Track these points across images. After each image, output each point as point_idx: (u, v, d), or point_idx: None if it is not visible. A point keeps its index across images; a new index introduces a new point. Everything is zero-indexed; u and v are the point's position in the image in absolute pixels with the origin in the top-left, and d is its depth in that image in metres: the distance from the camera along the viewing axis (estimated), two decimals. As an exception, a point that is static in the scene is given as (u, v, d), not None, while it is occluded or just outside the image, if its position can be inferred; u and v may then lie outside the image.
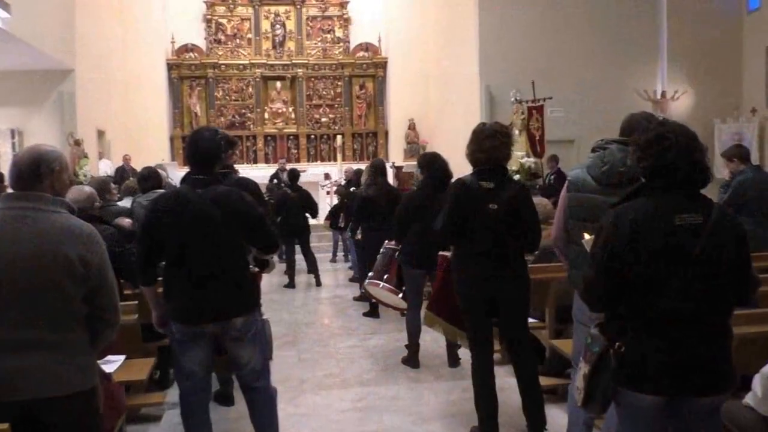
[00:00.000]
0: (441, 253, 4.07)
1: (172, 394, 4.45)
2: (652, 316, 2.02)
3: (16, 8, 7.99)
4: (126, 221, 4.53)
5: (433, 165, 4.93)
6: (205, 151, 2.94)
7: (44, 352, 2.03)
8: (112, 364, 3.31)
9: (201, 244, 2.83)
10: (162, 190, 5.12)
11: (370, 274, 5.33)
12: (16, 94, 10.81)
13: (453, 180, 3.76)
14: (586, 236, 2.70)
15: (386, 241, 5.32)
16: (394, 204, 6.21)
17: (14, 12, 7.95)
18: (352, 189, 8.34)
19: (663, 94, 12.02)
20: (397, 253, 5.08)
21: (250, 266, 3.13)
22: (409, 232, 4.90)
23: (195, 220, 2.82)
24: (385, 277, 5.14)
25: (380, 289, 5.18)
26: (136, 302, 3.57)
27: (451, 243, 3.54)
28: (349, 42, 15.93)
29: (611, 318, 2.15)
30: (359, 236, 6.76)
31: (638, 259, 2.01)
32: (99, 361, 3.03)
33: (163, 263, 2.97)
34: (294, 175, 8.93)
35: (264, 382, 3.12)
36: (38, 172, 2.13)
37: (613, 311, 2.13)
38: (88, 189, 4.07)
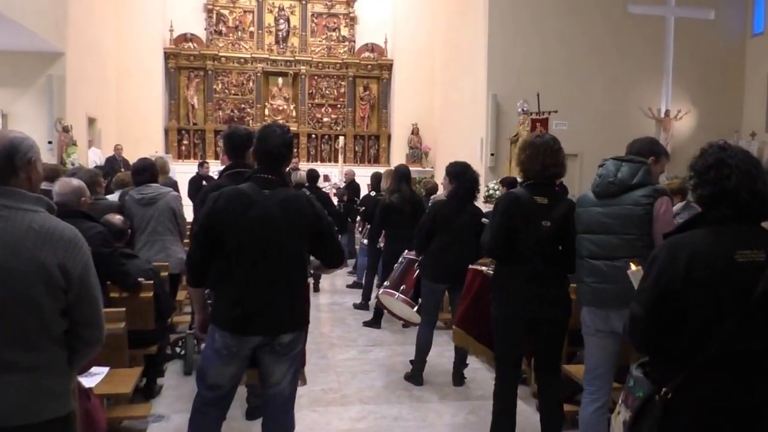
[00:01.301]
0: (471, 266, 3.89)
1: (158, 405, 4.20)
2: (707, 359, 1.84)
3: (2, -15, 7.65)
4: (117, 218, 4.21)
5: (464, 175, 4.74)
6: (276, 149, 2.74)
7: (14, 376, 1.72)
8: (94, 377, 2.99)
9: (261, 249, 2.62)
10: (156, 184, 4.81)
11: (385, 282, 5.10)
12: (2, 75, 10.43)
13: (505, 192, 3.54)
14: (633, 267, 2.52)
15: (406, 251, 5.11)
16: (417, 212, 5.99)
17: (0, -11, 7.60)
18: (372, 193, 8.08)
19: (667, 113, 12.03)
20: (416, 264, 4.86)
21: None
22: (433, 243, 4.69)
23: (258, 223, 2.62)
24: (402, 287, 4.94)
25: (395, 300, 4.99)
26: (124, 309, 3.24)
27: (499, 259, 3.32)
28: (354, 42, 15.65)
29: (658, 360, 1.97)
30: (381, 244, 6.50)
31: (693, 297, 1.85)
32: (81, 376, 2.73)
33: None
34: (313, 176, 8.64)
35: (286, 412, 2.85)
36: (12, 163, 1.81)
37: (661, 352, 1.95)
38: (75, 182, 3.76)
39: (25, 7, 8.85)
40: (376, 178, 8.02)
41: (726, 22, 12.06)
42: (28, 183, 1.84)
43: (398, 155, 15.29)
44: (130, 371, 3.42)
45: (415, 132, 15.26)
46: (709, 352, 1.83)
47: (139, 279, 3.88)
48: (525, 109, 10.43)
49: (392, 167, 7.48)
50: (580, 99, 11.28)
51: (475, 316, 3.65)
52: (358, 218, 8.69)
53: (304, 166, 13.77)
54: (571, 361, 4.06)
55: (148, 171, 4.83)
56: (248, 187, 2.72)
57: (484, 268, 3.74)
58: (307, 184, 8.56)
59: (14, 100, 10.62)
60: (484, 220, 4.12)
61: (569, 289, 3.31)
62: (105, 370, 3.12)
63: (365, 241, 7.72)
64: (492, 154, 11.23)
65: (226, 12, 15.17)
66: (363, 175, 11.23)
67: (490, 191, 10.35)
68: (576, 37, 11.40)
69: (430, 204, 5.88)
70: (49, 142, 10.33)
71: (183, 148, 15.00)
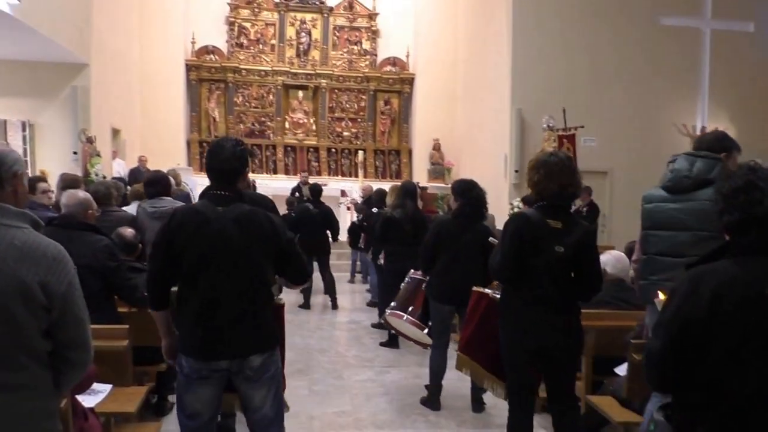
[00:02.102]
0: (475, 288, 3.74)
1: (169, 422, 4.10)
2: (735, 402, 1.71)
3: (28, -4, 7.76)
4: (128, 231, 4.16)
5: (470, 192, 4.64)
6: (227, 164, 2.66)
7: None
8: (97, 395, 2.91)
9: (218, 270, 2.52)
10: (169, 198, 4.76)
11: (392, 303, 4.95)
12: (28, 86, 10.57)
13: (515, 213, 3.40)
14: (661, 295, 2.36)
15: (411, 271, 4.98)
16: (419, 229, 5.91)
17: (26, 0, 7.69)
18: (374, 209, 8.01)
19: (702, 130, 11.66)
20: (423, 285, 4.73)
21: (275, 297, 2.79)
22: (437, 263, 4.57)
23: (214, 242, 2.52)
24: (410, 309, 4.80)
25: (403, 322, 4.85)
26: (127, 327, 3.16)
27: (507, 282, 3.17)
28: (376, 55, 15.67)
29: (682, 402, 1.83)
30: (381, 261, 6.40)
31: (718, 334, 1.71)
32: (82, 395, 2.65)
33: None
34: (316, 190, 8.61)
35: (276, 430, 2.74)
36: None
37: (682, 393, 1.83)
38: (82, 194, 3.73)
39: (50, 18, 8.98)
40: (379, 194, 7.93)
41: (766, 34, 11.70)
42: (13, 197, 1.81)
43: (420, 171, 15.20)
44: (135, 389, 3.35)
45: (436, 147, 15.14)
46: (738, 396, 1.69)
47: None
48: (550, 124, 10.26)
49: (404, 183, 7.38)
50: (608, 114, 11.05)
51: (480, 341, 3.51)
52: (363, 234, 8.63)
53: (325, 180, 13.75)
54: (597, 391, 3.89)
55: (161, 183, 4.79)
56: (202, 204, 2.65)
57: (489, 291, 3.60)
58: (311, 199, 8.53)
59: (40, 110, 10.77)
60: (491, 239, 3.97)
61: (581, 317, 3.17)
62: (108, 387, 3.04)
63: (369, 257, 7.65)
64: (516, 171, 11.03)
65: (248, 25, 15.30)
66: (383, 191, 11.17)
67: (515, 209, 10.17)
68: (604, 51, 11.19)
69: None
70: (74, 153, 10.46)
71: (205, 160, 15.05)
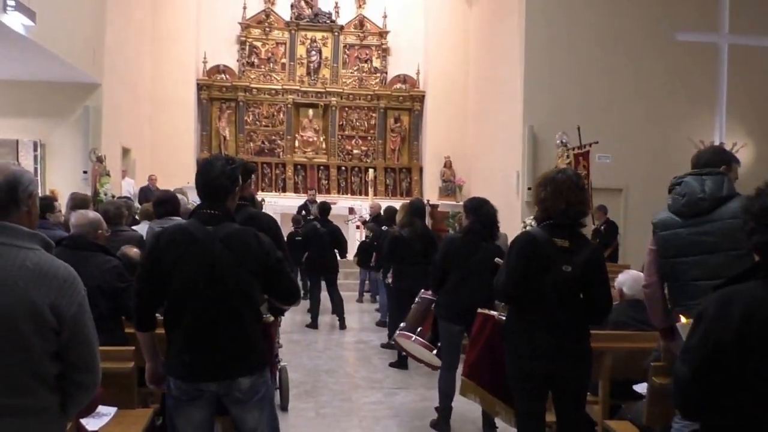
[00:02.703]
0: (480, 310, 3.69)
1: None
2: (765, 427, 1.69)
3: (42, 17, 7.91)
4: (133, 251, 4.20)
5: (480, 210, 4.63)
6: (216, 182, 2.66)
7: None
8: (102, 418, 2.92)
9: (206, 290, 2.52)
10: (178, 218, 4.80)
11: (402, 324, 4.93)
12: (40, 106, 10.76)
13: (520, 233, 3.38)
14: (683, 320, 2.35)
15: (422, 290, 4.95)
16: (428, 248, 5.91)
17: (40, 21, 7.86)
18: (384, 228, 8.03)
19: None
20: (433, 305, 4.71)
21: (264, 316, 2.78)
22: (447, 281, 4.55)
23: (201, 262, 2.52)
24: (419, 329, 4.78)
25: (412, 343, 4.82)
26: (133, 348, 3.17)
27: (513, 304, 3.14)
28: (386, 73, 15.78)
29: (710, 427, 1.81)
30: (389, 280, 6.41)
31: (748, 358, 1.68)
32: (87, 417, 2.66)
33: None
34: (324, 208, 8.65)
35: None
36: (16, 196, 1.80)
37: (711, 418, 1.79)
38: (92, 214, 3.77)
39: (64, 39, 9.15)
40: (389, 212, 7.94)
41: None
42: (27, 217, 1.83)
43: (430, 188, 15.21)
44: (140, 411, 3.33)
45: (447, 165, 15.16)
46: None
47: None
48: (564, 141, 10.22)
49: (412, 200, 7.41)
50: (623, 131, 10.99)
51: (486, 366, 3.46)
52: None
53: (335, 199, 13.79)
54: (614, 416, 3.80)
55: (170, 203, 4.82)
56: (191, 223, 2.64)
57: (494, 313, 3.56)
58: (319, 217, 8.56)
59: (52, 130, 10.93)
60: (497, 260, 3.97)
61: (589, 341, 3.12)
62: (113, 410, 3.05)
63: (380, 276, 7.64)
64: (529, 188, 10.99)
65: (258, 44, 15.50)
66: (394, 209, 11.19)
67: (527, 227, 10.14)
68: (618, 66, 11.16)
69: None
70: (84, 172, 10.61)
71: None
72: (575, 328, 3.02)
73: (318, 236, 8.26)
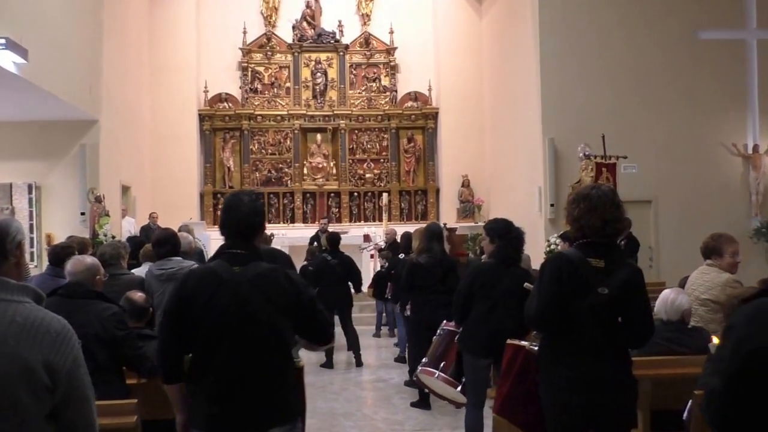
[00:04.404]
0: (510, 341, 3.64)
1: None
2: None
3: (34, 54, 8.06)
4: (138, 295, 4.23)
5: (508, 234, 4.61)
6: (246, 220, 2.68)
7: None
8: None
9: (236, 336, 2.52)
10: (179, 258, 4.84)
11: (423, 359, 4.89)
12: (34, 146, 10.93)
13: (553, 254, 3.36)
14: (715, 341, 2.33)
15: (444, 322, 4.91)
16: (448, 275, 5.87)
17: (33, 58, 8.01)
18: (401, 256, 8.01)
19: (755, 148, 11.53)
20: (457, 337, 4.67)
21: (295, 360, 2.78)
22: (472, 312, 4.52)
23: (230, 306, 2.53)
24: (442, 364, 4.73)
25: (435, 379, 4.78)
26: (135, 401, 3.18)
27: (546, 333, 3.10)
28: (396, 91, 15.89)
29: None
30: (408, 312, 6.37)
31: None
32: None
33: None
34: (334, 239, 8.66)
35: None
36: (3, 248, 1.81)
37: None
38: (89, 260, 3.80)
39: (57, 76, 9.28)
40: (406, 238, 7.92)
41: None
42: (16, 269, 1.84)
43: (448, 210, 15.20)
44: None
45: (465, 184, 15.17)
46: None
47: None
48: (587, 153, 10.17)
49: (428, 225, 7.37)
50: (649, 138, 10.95)
51: (519, 401, 3.39)
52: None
53: (347, 227, 13.77)
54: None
55: (170, 242, 4.87)
56: (217, 264, 2.64)
57: (525, 343, 3.52)
58: (329, 249, 8.57)
59: (47, 171, 11.10)
60: (527, 285, 3.93)
61: (632, 368, 3.06)
62: (115, 469, 3.04)
63: (398, 308, 7.59)
64: (552, 205, 10.97)
65: (261, 69, 15.70)
66: (410, 235, 11.16)
67: (551, 246, 10.07)
68: (641, 70, 11.15)
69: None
70: (82, 213, 10.73)
71: (219, 213, 15.28)
72: (615, 354, 2.96)
73: (329, 268, 8.27)
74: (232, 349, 2.52)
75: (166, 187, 14.43)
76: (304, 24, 15.80)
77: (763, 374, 1.74)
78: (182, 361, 2.65)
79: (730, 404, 1.80)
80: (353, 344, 8.34)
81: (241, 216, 2.68)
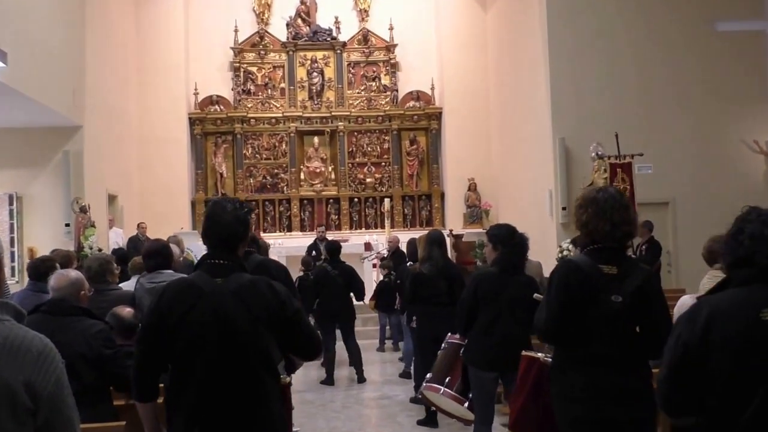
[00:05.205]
0: (525, 353, 3.66)
1: None
2: (736, 427, 2.05)
3: (14, 58, 8.09)
4: (126, 311, 4.23)
5: (511, 240, 4.63)
6: (229, 228, 2.70)
7: None
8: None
9: (216, 351, 2.52)
10: (170, 271, 4.85)
11: (428, 375, 4.90)
12: (15, 155, 10.96)
13: (561, 262, 3.37)
14: None
15: (449, 334, 4.92)
16: (452, 284, 5.87)
17: (12, 62, 8.04)
18: (409, 264, 8.02)
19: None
20: (462, 350, 4.67)
21: (281, 376, 2.76)
22: (476, 322, 4.53)
23: (211, 320, 2.53)
24: (447, 380, 4.72)
25: (440, 396, 4.78)
26: (124, 423, 3.19)
27: (558, 344, 3.11)
28: (397, 90, 15.91)
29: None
30: (414, 323, 6.38)
31: (715, 359, 2.10)
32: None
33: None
34: (333, 248, 8.67)
35: None
36: None
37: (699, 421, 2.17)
38: (74, 274, 3.81)
39: (39, 80, 9.31)
40: (412, 245, 7.93)
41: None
42: None
43: (454, 216, 15.21)
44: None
45: (472, 188, 15.17)
46: (749, 419, 2.01)
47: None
48: (600, 153, 10.18)
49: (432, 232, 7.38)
50: (665, 137, 10.98)
51: (534, 417, 3.40)
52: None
53: (347, 235, 13.77)
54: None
55: (161, 254, 4.87)
56: (197, 276, 2.65)
57: (540, 354, 3.54)
58: (329, 258, 8.57)
59: (29, 181, 11.13)
60: (536, 296, 3.93)
61: (652, 379, 3.05)
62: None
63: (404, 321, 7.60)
64: (564, 208, 10.96)
65: (254, 69, 15.75)
66: (414, 242, 11.16)
67: (564, 251, 10.07)
68: (655, 66, 11.18)
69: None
70: (67, 225, 10.75)
71: (202, 225, 15.28)
72: (632, 365, 2.97)
73: (329, 279, 8.27)
74: (213, 364, 2.52)
75: (155, 196, 14.46)
76: (299, 21, 15.85)
77: (694, 363, 2.12)
78: (158, 377, 2.66)
79: (671, 390, 2.23)
80: (355, 359, 8.34)
81: (224, 225, 2.69)
